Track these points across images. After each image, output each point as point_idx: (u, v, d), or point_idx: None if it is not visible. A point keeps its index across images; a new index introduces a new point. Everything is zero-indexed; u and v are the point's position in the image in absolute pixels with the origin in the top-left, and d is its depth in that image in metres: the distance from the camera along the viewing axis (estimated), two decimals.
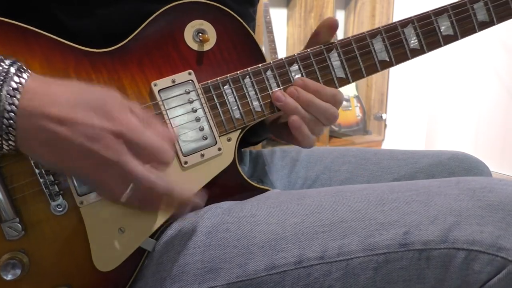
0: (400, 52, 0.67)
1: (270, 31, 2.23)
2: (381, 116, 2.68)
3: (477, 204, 0.48)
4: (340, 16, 2.75)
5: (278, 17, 2.53)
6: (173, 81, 0.59)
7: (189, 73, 0.60)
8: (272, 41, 2.23)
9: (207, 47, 0.61)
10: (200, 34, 0.60)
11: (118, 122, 0.47)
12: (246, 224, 0.55)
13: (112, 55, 0.57)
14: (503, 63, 2.46)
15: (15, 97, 0.45)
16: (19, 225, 0.50)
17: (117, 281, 0.56)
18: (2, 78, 0.45)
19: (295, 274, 0.51)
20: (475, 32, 0.70)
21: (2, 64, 0.46)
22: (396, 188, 0.54)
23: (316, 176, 0.83)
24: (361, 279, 0.50)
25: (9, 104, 0.45)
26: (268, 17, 2.25)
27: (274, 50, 2.23)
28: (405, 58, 0.68)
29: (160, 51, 0.59)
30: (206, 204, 0.60)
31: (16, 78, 0.46)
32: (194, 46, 0.61)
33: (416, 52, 0.68)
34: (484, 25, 0.70)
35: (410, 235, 0.49)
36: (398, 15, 2.65)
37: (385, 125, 2.76)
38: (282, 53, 2.55)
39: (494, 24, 0.71)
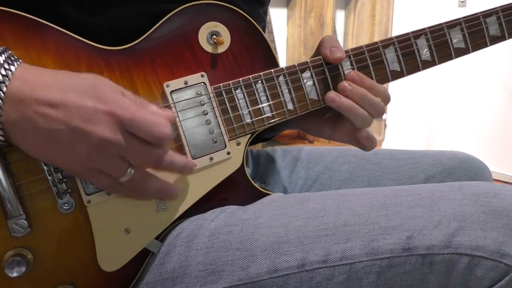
0: (412, 63, 0.68)
1: (270, 31, 2.23)
2: (381, 116, 2.68)
3: (481, 210, 0.48)
4: (340, 16, 2.75)
5: (278, 17, 2.53)
6: (186, 82, 0.58)
7: (202, 75, 0.59)
8: (272, 41, 2.23)
9: (220, 49, 0.61)
10: (214, 36, 0.60)
11: (110, 103, 0.46)
12: (249, 227, 0.55)
13: (126, 53, 0.57)
14: (504, 63, 2.46)
15: (3, 83, 0.44)
16: (25, 221, 0.50)
17: (120, 282, 0.56)
18: None
19: (298, 278, 0.51)
20: (487, 46, 0.71)
21: None
22: (399, 192, 0.54)
23: (316, 176, 0.83)
24: (364, 283, 0.50)
25: None
26: (268, 17, 2.25)
27: (274, 50, 2.23)
28: (416, 70, 0.69)
29: (173, 52, 0.59)
30: (213, 208, 0.60)
31: (6, 65, 0.45)
32: (208, 48, 0.60)
33: (427, 64, 0.68)
34: (495, 40, 0.71)
35: (413, 240, 0.49)
36: (398, 15, 2.65)
37: (385, 125, 2.77)
38: (282, 53, 2.55)
39: (505, 39, 0.71)
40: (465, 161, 0.78)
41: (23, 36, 0.52)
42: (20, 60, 0.47)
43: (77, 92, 0.45)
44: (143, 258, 0.56)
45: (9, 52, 0.47)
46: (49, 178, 0.51)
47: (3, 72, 0.45)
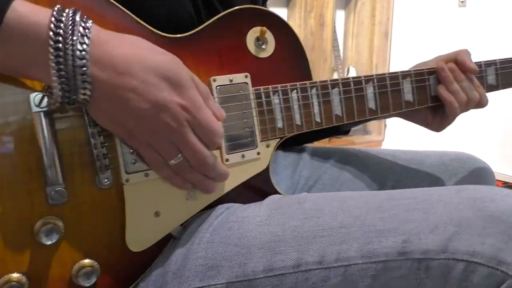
0: (422, 96, 0.74)
1: None
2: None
3: (478, 214, 0.47)
4: (340, 16, 2.75)
5: None
6: (231, 80, 0.61)
7: (246, 76, 0.62)
8: None
9: (264, 54, 0.64)
10: (261, 41, 0.64)
11: (186, 96, 0.49)
12: (248, 224, 0.55)
13: (179, 42, 0.60)
14: None
15: (85, 43, 0.45)
16: (64, 191, 0.50)
17: (139, 263, 0.57)
18: (71, 23, 0.45)
19: (293, 278, 0.51)
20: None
21: (66, 11, 0.45)
22: (395, 195, 0.54)
23: (318, 176, 0.83)
24: (359, 286, 0.49)
25: (80, 51, 0.44)
26: None
27: None
28: (425, 103, 0.74)
29: (222, 50, 0.62)
30: (234, 202, 0.62)
31: (82, 24, 0.45)
32: (254, 51, 0.64)
33: (435, 100, 0.74)
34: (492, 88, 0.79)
35: (409, 244, 0.48)
36: (398, 15, 2.65)
37: (385, 125, 2.77)
38: None
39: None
40: (468, 161, 0.78)
41: (84, 8, 0.51)
42: (91, 20, 0.47)
43: (157, 76, 0.48)
44: (164, 243, 0.57)
45: (80, 11, 0.47)
46: (95, 151, 0.51)
47: (82, 30, 0.45)
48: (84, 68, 0.45)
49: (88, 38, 0.45)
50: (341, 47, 2.84)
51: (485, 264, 0.45)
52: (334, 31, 2.54)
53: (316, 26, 2.36)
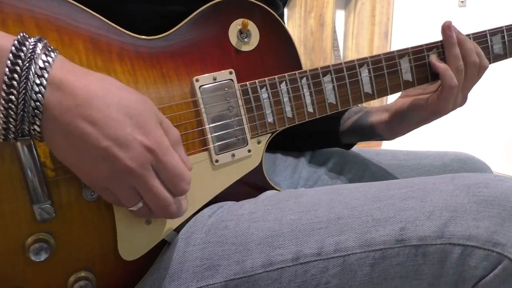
0: (422, 75, 0.71)
1: None
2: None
3: (473, 200, 0.48)
4: (340, 16, 2.75)
5: None
6: (214, 78, 0.59)
7: (230, 72, 0.60)
8: None
9: (249, 47, 0.62)
10: (244, 34, 0.61)
11: (151, 137, 0.45)
12: (244, 222, 0.55)
13: (157, 44, 0.57)
14: (506, 62, 2.46)
15: (43, 77, 0.42)
16: (51, 207, 0.50)
17: (135, 271, 0.56)
18: (29, 56, 0.42)
19: (292, 271, 0.51)
20: (490, 62, 0.76)
21: (28, 41, 0.43)
22: (392, 185, 0.54)
23: (317, 177, 0.83)
24: (358, 275, 0.50)
25: (37, 85, 0.42)
26: None
27: None
28: (425, 81, 0.72)
29: (204, 47, 0.59)
30: (224, 201, 0.61)
31: (43, 57, 0.43)
32: (237, 45, 0.61)
33: (436, 76, 0.71)
34: (498, 58, 0.77)
35: (406, 231, 0.49)
36: (398, 15, 2.65)
37: None
38: None
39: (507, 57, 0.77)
40: (468, 162, 0.79)
41: (55, 18, 0.51)
42: (57, 50, 0.44)
43: (120, 112, 0.44)
44: (159, 249, 0.57)
45: (44, 41, 0.45)
46: None
47: (41, 64, 0.42)
48: (37, 107, 0.42)
49: (45, 77, 0.42)
50: (341, 47, 2.84)
51: (481, 246, 0.46)
52: (334, 31, 2.54)
53: (316, 26, 2.37)
